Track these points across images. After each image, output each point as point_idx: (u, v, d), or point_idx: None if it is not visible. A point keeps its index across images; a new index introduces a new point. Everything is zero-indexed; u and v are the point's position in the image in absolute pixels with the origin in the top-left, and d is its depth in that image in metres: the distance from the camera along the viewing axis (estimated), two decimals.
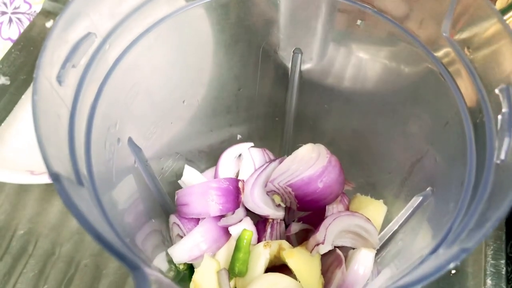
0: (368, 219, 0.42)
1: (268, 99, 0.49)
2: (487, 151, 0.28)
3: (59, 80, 0.28)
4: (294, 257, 0.41)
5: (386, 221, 0.43)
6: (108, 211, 0.29)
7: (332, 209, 0.45)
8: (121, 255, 0.20)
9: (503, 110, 0.27)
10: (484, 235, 0.22)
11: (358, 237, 0.42)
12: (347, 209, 0.46)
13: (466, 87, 0.32)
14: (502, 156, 0.26)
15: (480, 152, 0.30)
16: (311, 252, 0.41)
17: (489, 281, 0.53)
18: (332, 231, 0.41)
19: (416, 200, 0.38)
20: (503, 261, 0.54)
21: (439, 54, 0.34)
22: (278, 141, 0.47)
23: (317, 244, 0.41)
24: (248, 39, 0.44)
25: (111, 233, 0.26)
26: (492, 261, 0.54)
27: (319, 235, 0.41)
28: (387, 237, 0.42)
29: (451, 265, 0.21)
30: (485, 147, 0.29)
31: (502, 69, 0.28)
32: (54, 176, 0.23)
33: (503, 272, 0.53)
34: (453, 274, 0.53)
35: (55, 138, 0.27)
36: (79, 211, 0.21)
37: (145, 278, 0.21)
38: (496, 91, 0.28)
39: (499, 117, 0.28)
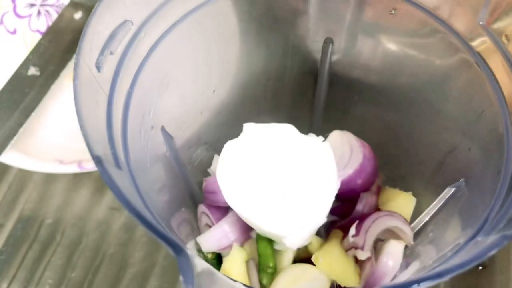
0: (406, 220, 0.41)
1: (296, 90, 0.49)
2: None
3: (98, 66, 0.29)
4: (325, 261, 0.41)
5: (416, 213, 0.43)
6: (146, 197, 0.29)
7: (365, 202, 0.45)
8: (166, 237, 0.21)
9: None
10: None
11: (392, 233, 0.42)
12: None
13: (503, 76, 0.31)
14: None
15: None
16: (346, 251, 0.41)
17: None
18: (372, 235, 0.40)
19: (448, 192, 0.38)
20: None
21: (475, 43, 0.34)
22: (306, 131, 0.47)
23: (355, 248, 0.40)
24: (276, 29, 0.44)
25: (150, 216, 0.27)
26: None
27: (358, 240, 0.40)
28: (417, 229, 0.42)
29: (493, 252, 0.21)
30: None
31: None
32: (97, 158, 0.23)
33: None
34: (480, 269, 0.53)
35: (94, 123, 0.27)
36: (122, 193, 0.22)
37: (189, 261, 0.21)
38: None
39: None
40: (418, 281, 0.20)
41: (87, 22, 0.28)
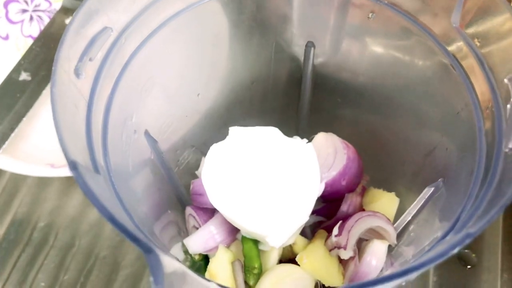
0: (389, 219, 0.42)
1: (281, 93, 0.49)
2: (496, 140, 0.28)
3: (77, 73, 0.29)
4: (309, 261, 0.41)
5: (400, 213, 0.44)
6: (125, 200, 0.30)
7: (350, 203, 0.45)
8: (135, 238, 0.21)
9: None
10: (489, 221, 0.22)
11: (376, 233, 0.42)
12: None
13: (477, 78, 0.32)
14: (510, 145, 0.27)
15: (490, 142, 0.30)
16: (330, 251, 0.42)
17: (505, 275, 0.53)
18: (354, 235, 0.41)
19: (427, 191, 0.38)
20: None
21: (450, 46, 0.35)
22: (292, 134, 0.48)
23: (338, 247, 0.40)
24: (261, 33, 0.45)
25: (126, 219, 0.27)
26: (509, 255, 0.54)
27: (341, 239, 0.40)
28: (400, 228, 0.42)
29: (455, 250, 0.22)
30: (494, 136, 0.29)
31: (511, 59, 0.29)
32: (72, 163, 0.24)
33: None
34: (469, 268, 0.53)
35: (73, 129, 0.28)
36: (95, 195, 0.22)
37: (159, 261, 0.21)
38: (505, 80, 0.28)
39: (508, 106, 0.28)
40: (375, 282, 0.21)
41: (65, 30, 0.29)
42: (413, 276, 0.23)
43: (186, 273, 0.24)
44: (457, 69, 0.34)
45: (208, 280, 0.25)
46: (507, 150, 0.27)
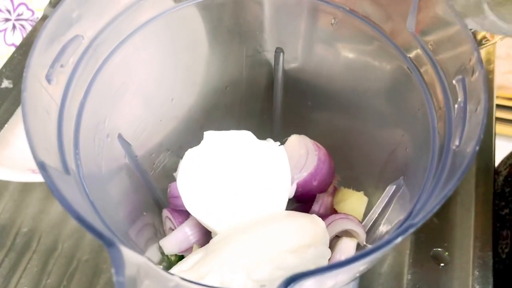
0: (359, 221, 0.44)
1: (256, 97, 0.51)
2: (446, 138, 0.30)
3: (48, 79, 0.30)
4: None
5: (368, 211, 0.45)
6: (97, 202, 0.31)
7: (321, 203, 0.47)
8: (97, 232, 0.23)
9: (459, 99, 0.29)
10: (431, 211, 0.24)
11: (346, 232, 0.44)
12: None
13: (431, 80, 0.34)
14: (457, 142, 0.28)
15: (442, 140, 0.31)
16: None
17: (476, 272, 0.54)
18: None
19: (390, 189, 0.40)
20: (490, 253, 0.55)
21: (407, 50, 0.37)
22: (267, 137, 0.49)
23: None
24: (234, 39, 0.46)
25: (92, 216, 0.28)
26: (480, 253, 0.55)
27: None
28: (368, 227, 0.44)
29: (399, 239, 0.23)
30: (445, 134, 0.30)
31: (460, 62, 0.31)
32: (40, 164, 0.25)
33: (490, 264, 0.54)
34: (442, 266, 0.54)
35: (43, 132, 0.29)
36: (61, 192, 0.24)
37: (120, 254, 0.23)
38: (454, 81, 0.30)
39: (456, 106, 0.30)
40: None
41: (37, 37, 0.30)
42: (360, 267, 0.24)
43: (149, 267, 0.25)
44: (413, 71, 0.35)
45: (172, 274, 0.26)
46: (454, 147, 0.29)
